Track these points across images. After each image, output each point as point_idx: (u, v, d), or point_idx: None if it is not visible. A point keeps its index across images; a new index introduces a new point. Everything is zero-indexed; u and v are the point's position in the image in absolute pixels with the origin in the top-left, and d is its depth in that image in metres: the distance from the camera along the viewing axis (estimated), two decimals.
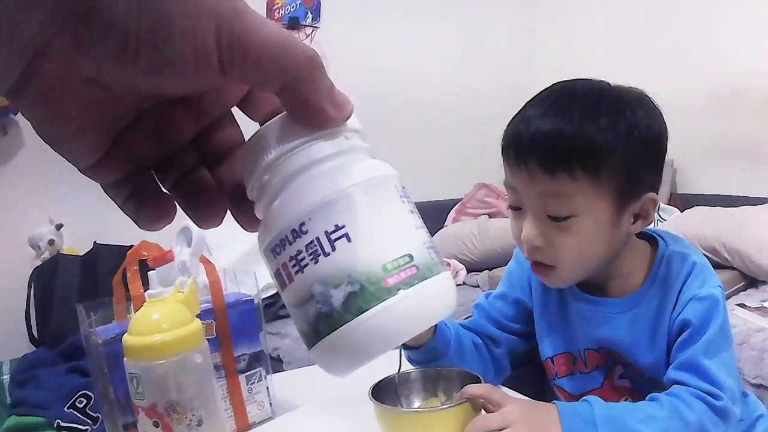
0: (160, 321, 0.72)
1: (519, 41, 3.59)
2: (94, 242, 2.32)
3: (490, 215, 2.99)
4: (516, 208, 0.90)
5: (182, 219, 0.38)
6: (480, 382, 0.82)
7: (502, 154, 0.90)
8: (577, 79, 0.93)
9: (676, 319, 0.89)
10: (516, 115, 0.90)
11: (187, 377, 0.71)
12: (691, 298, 0.88)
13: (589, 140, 0.83)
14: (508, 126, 0.90)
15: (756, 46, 2.70)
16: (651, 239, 0.97)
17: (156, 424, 0.70)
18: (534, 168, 0.84)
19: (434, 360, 0.94)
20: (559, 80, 0.94)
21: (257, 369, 0.95)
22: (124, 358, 0.72)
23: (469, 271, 2.75)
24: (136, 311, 0.83)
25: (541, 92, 0.92)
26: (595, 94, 0.88)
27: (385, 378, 0.85)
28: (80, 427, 1.09)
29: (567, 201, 0.84)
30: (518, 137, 0.87)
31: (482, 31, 3.46)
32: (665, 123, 0.91)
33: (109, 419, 0.84)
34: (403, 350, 0.92)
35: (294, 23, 2.90)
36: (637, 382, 0.94)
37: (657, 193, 0.90)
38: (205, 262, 0.91)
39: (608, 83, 0.91)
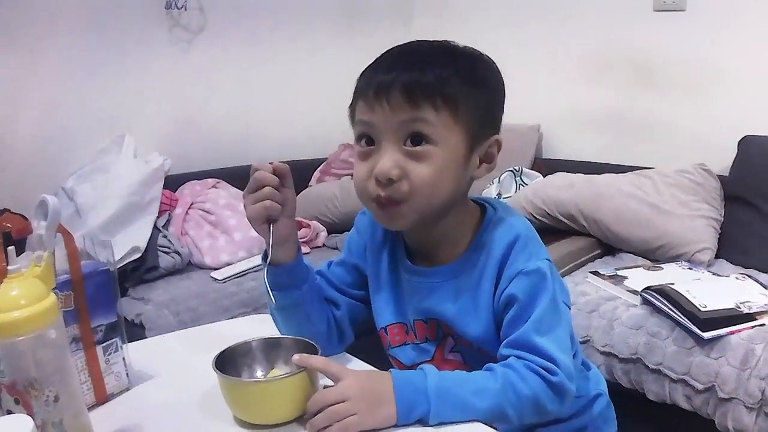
0: (18, 297, 0.73)
1: None
2: None
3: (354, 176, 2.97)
4: (369, 144, 0.91)
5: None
6: (317, 352, 0.87)
7: (357, 94, 0.93)
8: (420, 40, 0.96)
9: (502, 294, 0.90)
10: (366, 68, 0.94)
11: (44, 353, 0.73)
12: (518, 273, 0.89)
13: (450, 77, 0.88)
14: (361, 74, 0.93)
15: (630, 17, 2.73)
16: (483, 208, 1.00)
17: (17, 401, 0.71)
18: (397, 98, 0.87)
19: (290, 288, 0.97)
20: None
21: (113, 339, 0.95)
22: None
23: (330, 232, 2.73)
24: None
25: (385, 51, 0.95)
26: (446, 46, 0.94)
27: (227, 348, 0.90)
28: None
29: (428, 126, 0.88)
30: (378, 76, 0.89)
31: None
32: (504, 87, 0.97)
33: None
34: (265, 266, 0.94)
35: None
36: (468, 356, 0.97)
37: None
38: (64, 232, 0.90)
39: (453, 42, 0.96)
